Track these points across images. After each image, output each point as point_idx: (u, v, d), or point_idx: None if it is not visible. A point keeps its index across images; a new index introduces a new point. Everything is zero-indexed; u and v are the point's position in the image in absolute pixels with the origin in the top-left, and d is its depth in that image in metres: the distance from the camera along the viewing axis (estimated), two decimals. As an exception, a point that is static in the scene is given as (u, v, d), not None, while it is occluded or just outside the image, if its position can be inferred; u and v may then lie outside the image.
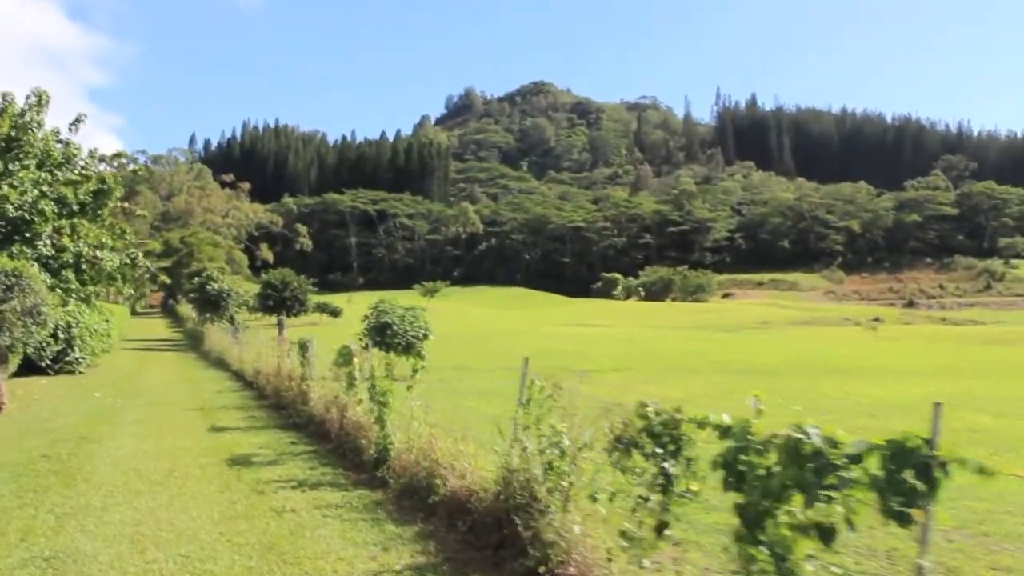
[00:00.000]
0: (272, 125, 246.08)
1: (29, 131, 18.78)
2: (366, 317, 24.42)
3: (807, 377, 29.01)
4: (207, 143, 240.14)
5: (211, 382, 23.26)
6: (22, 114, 19.04)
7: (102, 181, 19.58)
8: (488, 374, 24.60)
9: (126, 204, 23.13)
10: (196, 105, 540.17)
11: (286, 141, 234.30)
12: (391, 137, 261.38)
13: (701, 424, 4.16)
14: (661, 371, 29.09)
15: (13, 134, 18.81)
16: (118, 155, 20.35)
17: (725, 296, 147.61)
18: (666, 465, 4.44)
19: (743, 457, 3.70)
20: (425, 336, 24.68)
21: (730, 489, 3.81)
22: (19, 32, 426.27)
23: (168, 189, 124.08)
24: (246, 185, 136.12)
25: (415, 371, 8.44)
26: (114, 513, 7.72)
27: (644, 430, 4.61)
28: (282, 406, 15.59)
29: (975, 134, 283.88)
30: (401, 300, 26.42)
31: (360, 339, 22.62)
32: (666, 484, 4.49)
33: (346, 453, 10.61)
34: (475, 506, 6.73)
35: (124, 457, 10.83)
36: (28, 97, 19.39)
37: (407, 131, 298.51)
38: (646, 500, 4.61)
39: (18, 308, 15.33)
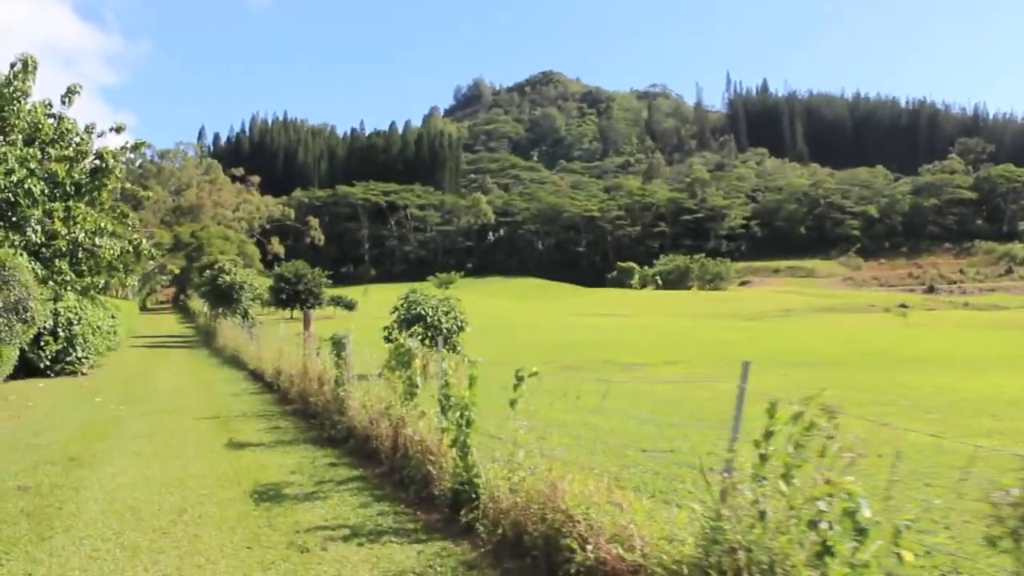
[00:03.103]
0: (281, 118, 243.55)
1: (15, 101, 16.37)
2: (396, 308, 22.11)
3: (875, 368, 26.62)
4: (216, 137, 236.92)
5: (226, 383, 21.05)
6: (7, 83, 16.65)
7: (99, 158, 17.20)
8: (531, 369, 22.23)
9: (129, 186, 20.77)
10: (205, 101, 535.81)
11: (295, 134, 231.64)
12: (400, 129, 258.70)
13: None
14: (716, 363, 26.70)
15: (-6, 105, 16.49)
16: (119, 128, 17.86)
17: (743, 284, 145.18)
18: None
19: None
20: (461, 328, 22.36)
21: None
22: (34, 34, 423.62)
23: (177, 184, 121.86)
24: (256, 178, 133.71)
25: (520, 379, 6.01)
26: (97, 591, 5.34)
27: None
28: (311, 414, 13.26)
29: (991, 117, 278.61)
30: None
31: (390, 332, 20.43)
32: None
33: (405, 481, 8.18)
34: (650, 591, 4.30)
35: (121, 488, 8.47)
36: (13, 65, 17.00)
37: (416, 122, 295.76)
38: None
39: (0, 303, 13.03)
